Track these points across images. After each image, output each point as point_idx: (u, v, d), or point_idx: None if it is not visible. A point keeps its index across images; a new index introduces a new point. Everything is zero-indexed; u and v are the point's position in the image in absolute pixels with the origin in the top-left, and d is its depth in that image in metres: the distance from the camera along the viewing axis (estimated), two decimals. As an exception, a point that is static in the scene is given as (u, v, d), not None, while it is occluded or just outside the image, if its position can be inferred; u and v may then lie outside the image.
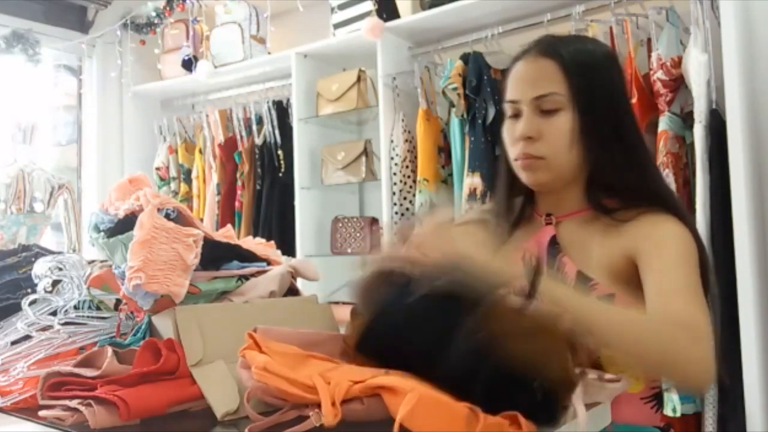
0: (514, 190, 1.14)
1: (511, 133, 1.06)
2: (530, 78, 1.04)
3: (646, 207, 1.01)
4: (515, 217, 1.13)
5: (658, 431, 1.07)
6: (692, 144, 1.94)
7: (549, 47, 1.04)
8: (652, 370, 0.92)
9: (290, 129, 3.00)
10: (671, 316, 0.88)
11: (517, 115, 1.06)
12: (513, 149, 1.07)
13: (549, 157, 1.03)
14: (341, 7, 2.80)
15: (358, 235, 2.83)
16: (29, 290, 1.18)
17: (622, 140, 1.03)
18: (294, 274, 1.24)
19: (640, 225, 0.99)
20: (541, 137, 1.02)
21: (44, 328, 1.02)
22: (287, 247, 2.80)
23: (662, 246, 0.96)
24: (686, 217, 1.02)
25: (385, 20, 2.60)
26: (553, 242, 1.08)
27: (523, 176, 1.06)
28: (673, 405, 1.87)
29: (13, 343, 1.04)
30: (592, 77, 1.02)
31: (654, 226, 0.99)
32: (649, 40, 2.10)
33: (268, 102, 3.13)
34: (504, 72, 1.15)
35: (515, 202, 1.15)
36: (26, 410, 0.91)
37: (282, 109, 3.13)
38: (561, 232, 1.08)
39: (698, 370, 0.85)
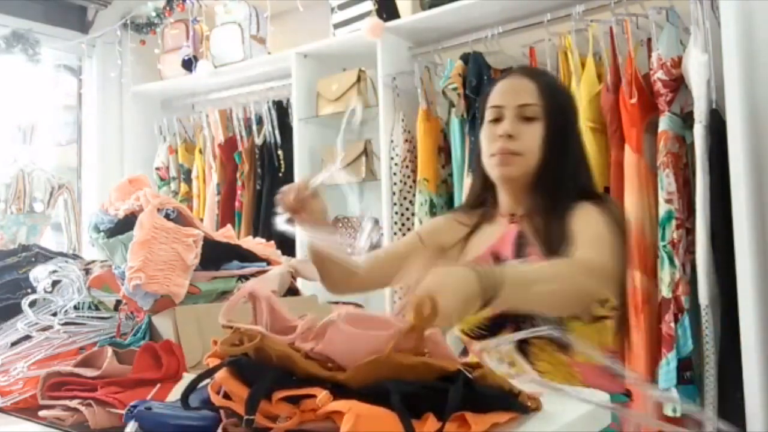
0: (483, 192, 1.36)
1: (492, 133, 1.28)
2: (515, 90, 1.28)
3: (579, 200, 1.23)
4: (480, 215, 1.35)
5: (624, 398, 1.21)
6: (692, 144, 1.94)
7: (529, 72, 1.35)
8: (568, 303, 1.06)
9: (290, 129, 3.00)
10: (576, 259, 1.08)
11: (498, 119, 1.28)
12: (492, 146, 1.27)
13: (524, 153, 1.24)
14: (341, 7, 2.80)
15: (358, 235, 2.83)
16: (29, 290, 1.18)
17: (567, 151, 1.27)
18: (294, 274, 1.24)
19: (574, 214, 1.20)
20: (520, 137, 1.24)
21: (44, 329, 1.02)
22: (287, 247, 2.79)
23: (585, 224, 1.18)
24: (607, 205, 1.24)
25: (385, 20, 2.60)
26: (518, 238, 1.26)
27: (497, 171, 1.27)
28: (673, 405, 1.87)
29: (14, 343, 1.04)
30: (558, 101, 1.28)
31: (583, 212, 1.21)
32: (649, 40, 2.10)
33: (268, 102, 3.13)
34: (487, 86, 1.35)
35: (483, 202, 1.36)
36: (26, 410, 0.91)
37: (282, 109, 3.13)
38: (523, 229, 1.27)
39: (592, 295, 1.08)
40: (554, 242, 1.17)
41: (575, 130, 1.31)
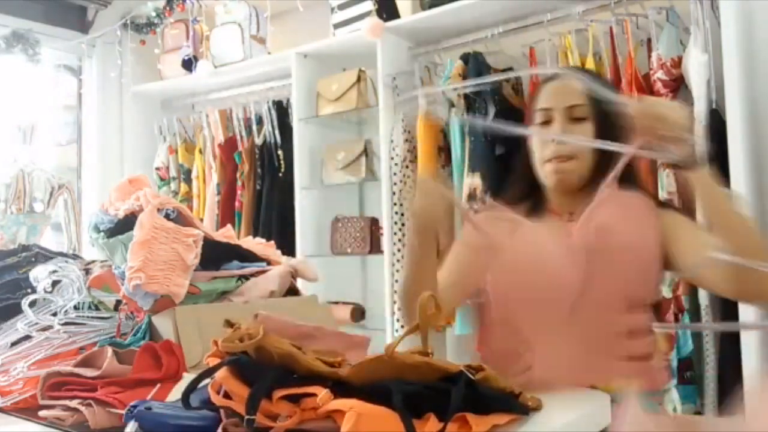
0: (531, 191, 1.32)
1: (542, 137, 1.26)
2: (564, 92, 1.26)
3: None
4: (529, 214, 1.29)
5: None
6: (692, 144, 1.94)
7: (575, 73, 1.32)
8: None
9: (290, 129, 3.00)
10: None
11: (547, 122, 1.26)
12: (545, 151, 1.25)
13: (578, 155, 1.23)
14: (341, 7, 2.80)
15: (358, 235, 2.83)
16: (29, 290, 1.18)
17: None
18: (294, 274, 1.24)
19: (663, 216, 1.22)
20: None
21: (44, 329, 1.02)
22: (287, 247, 2.80)
23: (683, 225, 1.21)
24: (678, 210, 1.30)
25: (385, 20, 2.60)
26: None
27: (553, 176, 1.25)
28: (673, 405, 1.87)
29: (14, 343, 1.04)
30: (603, 100, 1.22)
31: (671, 215, 1.24)
32: (649, 40, 2.10)
33: (268, 102, 3.13)
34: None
35: (527, 203, 1.32)
36: (26, 410, 0.91)
37: (282, 109, 3.13)
38: None
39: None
40: None
41: (616, 128, 1.25)
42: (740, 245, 1.06)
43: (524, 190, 1.33)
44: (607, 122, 1.22)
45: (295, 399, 0.67)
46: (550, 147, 1.24)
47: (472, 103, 2.38)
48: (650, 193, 1.34)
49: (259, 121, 3.18)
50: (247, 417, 0.65)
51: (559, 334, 1.16)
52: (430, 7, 2.49)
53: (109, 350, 0.91)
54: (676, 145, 1.09)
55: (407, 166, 2.57)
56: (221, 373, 0.70)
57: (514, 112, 2.35)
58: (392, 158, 2.59)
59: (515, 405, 0.76)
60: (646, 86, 2.04)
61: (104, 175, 3.45)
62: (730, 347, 1.81)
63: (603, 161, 1.22)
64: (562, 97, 1.26)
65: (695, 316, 1.91)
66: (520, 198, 1.33)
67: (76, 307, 1.06)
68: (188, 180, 3.45)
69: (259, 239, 1.36)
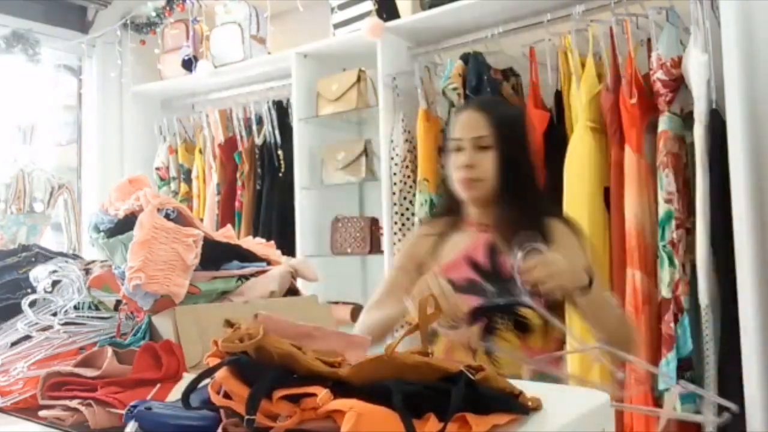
0: (451, 205, 1.56)
1: (455, 162, 1.48)
2: (471, 124, 1.47)
3: (548, 217, 1.47)
4: (448, 224, 1.55)
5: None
6: (692, 144, 1.94)
7: (481, 105, 1.55)
8: (615, 340, 1.29)
9: (290, 129, 3.00)
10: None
11: (459, 150, 1.47)
12: (456, 174, 1.48)
13: (483, 179, 1.45)
14: (341, 7, 2.80)
15: (358, 235, 2.83)
16: (29, 290, 1.18)
17: (519, 172, 1.47)
18: (294, 274, 1.24)
19: (552, 233, 1.42)
20: (478, 166, 1.45)
21: (44, 329, 1.02)
22: (287, 247, 2.80)
23: (564, 239, 1.43)
24: (575, 225, 1.51)
25: (385, 20, 2.60)
26: (490, 246, 1.46)
27: (464, 194, 1.48)
28: (673, 405, 1.87)
29: (14, 343, 1.03)
30: (507, 129, 1.47)
31: (554, 227, 1.45)
32: (649, 40, 2.10)
33: (268, 102, 3.13)
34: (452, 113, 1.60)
35: (450, 213, 1.57)
36: (26, 410, 0.91)
37: (282, 109, 3.13)
38: (494, 238, 1.46)
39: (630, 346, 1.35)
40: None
41: (525, 153, 1.51)
42: (617, 338, 1.30)
43: (450, 205, 1.57)
44: (510, 149, 1.45)
45: (295, 399, 0.67)
46: (461, 172, 1.46)
47: (472, 103, 2.38)
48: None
49: (259, 121, 3.18)
50: (247, 417, 0.65)
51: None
52: (430, 7, 2.49)
53: (109, 350, 0.91)
54: (561, 290, 1.28)
55: (407, 166, 2.57)
56: (221, 373, 0.70)
57: (514, 112, 2.35)
58: (392, 158, 2.59)
59: (515, 405, 0.76)
60: (646, 86, 2.04)
61: (104, 175, 3.46)
62: (730, 347, 1.81)
63: (506, 182, 1.45)
64: (470, 128, 1.47)
65: (695, 316, 1.91)
66: (447, 211, 1.58)
67: (76, 307, 1.06)
68: (188, 180, 3.45)
69: (259, 239, 1.36)
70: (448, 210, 1.59)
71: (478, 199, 1.49)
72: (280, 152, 3.06)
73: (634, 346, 1.39)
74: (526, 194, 1.47)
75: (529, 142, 1.56)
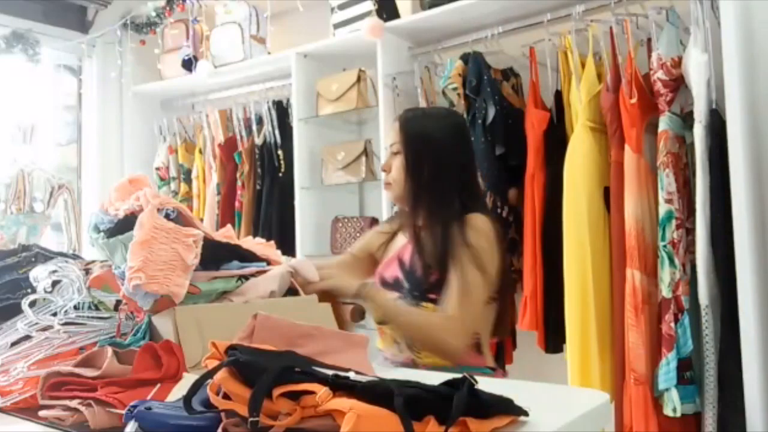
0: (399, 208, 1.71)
1: None
2: (389, 133, 1.64)
3: (464, 212, 1.52)
4: (399, 224, 1.67)
5: (490, 371, 1.50)
6: (692, 144, 1.94)
7: (401, 115, 1.65)
8: (426, 346, 1.48)
9: (290, 129, 3.00)
10: (447, 318, 1.45)
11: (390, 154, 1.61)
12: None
13: (393, 182, 1.59)
14: (341, 7, 2.80)
15: (358, 235, 2.83)
16: (29, 290, 1.18)
17: (423, 174, 1.54)
18: (294, 274, 1.24)
19: (464, 229, 1.49)
20: (391, 170, 1.60)
21: (44, 329, 1.02)
22: (287, 247, 2.80)
23: (476, 235, 1.49)
24: (484, 212, 1.57)
25: (385, 20, 2.60)
26: (415, 247, 1.55)
27: (387, 196, 1.68)
28: (673, 405, 1.87)
29: (14, 343, 1.04)
30: (412, 134, 1.58)
31: (469, 223, 1.50)
32: (649, 40, 2.09)
33: (268, 102, 3.13)
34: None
35: (400, 215, 1.69)
36: (26, 410, 0.91)
37: (282, 109, 3.13)
38: (418, 239, 1.55)
39: (449, 351, 1.45)
40: (427, 255, 1.49)
41: (430, 156, 1.56)
42: (413, 334, 1.46)
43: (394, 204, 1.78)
44: (413, 154, 1.56)
45: (294, 396, 0.67)
46: (384, 176, 1.62)
47: (472, 103, 2.38)
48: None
49: (259, 121, 3.18)
50: (250, 419, 0.65)
51: None
52: (430, 7, 2.49)
53: (109, 350, 0.91)
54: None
55: (407, 166, 2.57)
56: (220, 375, 0.70)
57: (514, 112, 2.35)
58: (392, 158, 2.58)
59: (514, 406, 0.76)
60: (646, 86, 2.04)
61: (104, 175, 3.46)
62: (730, 347, 1.81)
63: (412, 188, 1.55)
64: (388, 137, 1.69)
65: (695, 316, 1.91)
66: (403, 212, 1.68)
67: (76, 307, 1.06)
68: (188, 180, 3.45)
69: (259, 239, 1.36)
70: (398, 212, 1.73)
71: (396, 200, 1.64)
72: (280, 152, 3.06)
73: (444, 348, 1.44)
74: (432, 194, 1.54)
75: (444, 146, 1.58)
